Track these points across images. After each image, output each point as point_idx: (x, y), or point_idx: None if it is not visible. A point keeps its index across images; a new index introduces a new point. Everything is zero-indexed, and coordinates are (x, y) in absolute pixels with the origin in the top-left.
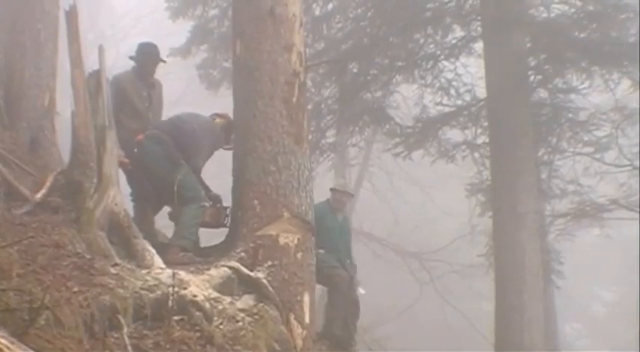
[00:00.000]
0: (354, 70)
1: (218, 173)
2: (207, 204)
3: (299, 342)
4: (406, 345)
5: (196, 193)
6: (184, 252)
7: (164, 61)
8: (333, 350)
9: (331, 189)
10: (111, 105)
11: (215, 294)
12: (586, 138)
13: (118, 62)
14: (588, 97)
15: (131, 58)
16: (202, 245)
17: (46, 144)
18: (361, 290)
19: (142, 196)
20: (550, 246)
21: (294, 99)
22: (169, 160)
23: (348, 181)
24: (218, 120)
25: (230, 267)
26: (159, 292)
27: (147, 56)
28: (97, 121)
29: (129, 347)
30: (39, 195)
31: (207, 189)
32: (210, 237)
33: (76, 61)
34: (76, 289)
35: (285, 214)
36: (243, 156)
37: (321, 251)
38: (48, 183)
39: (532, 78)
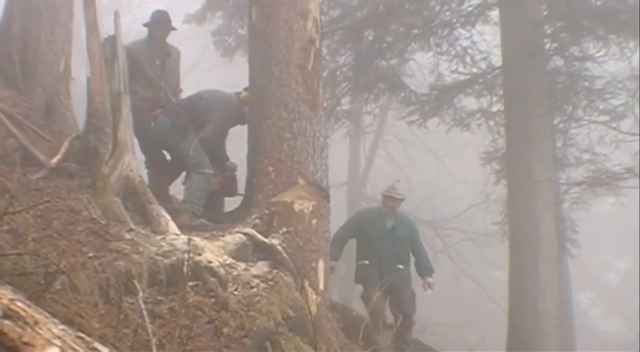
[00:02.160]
0: (370, 38)
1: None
2: (209, 171)
3: (313, 308)
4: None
5: (199, 160)
6: (193, 217)
7: (175, 29)
8: None
9: (381, 194)
10: (126, 71)
11: (230, 260)
12: (602, 107)
13: (134, 28)
14: (604, 65)
15: (145, 25)
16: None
17: (61, 109)
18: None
19: (156, 164)
20: (565, 214)
21: (310, 66)
22: (177, 130)
23: (362, 149)
24: (244, 93)
25: (245, 234)
26: (174, 258)
27: (158, 23)
28: (113, 87)
29: (144, 312)
30: (54, 161)
31: (222, 158)
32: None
33: (92, 26)
34: (91, 254)
35: (300, 181)
36: (258, 123)
37: (365, 261)
38: (63, 149)
39: (548, 46)
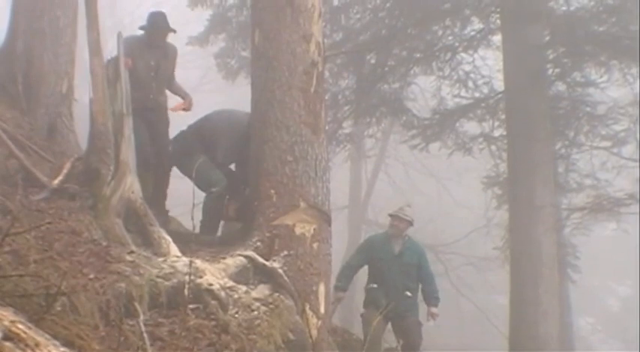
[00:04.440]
0: (372, 61)
1: None
2: (213, 190)
3: (314, 332)
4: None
5: (206, 182)
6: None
7: (174, 31)
8: None
9: (389, 215)
10: (129, 93)
11: (231, 283)
12: (604, 132)
13: None
14: (607, 91)
15: (141, 27)
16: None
17: (63, 130)
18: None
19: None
20: (566, 239)
21: (312, 89)
22: (186, 155)
23: (364, 172)
24: None
25: (246, 256)
26: (175, 280)
27: (155, 26)
28: (115, 108)
29: (144, 335)
30: (56, 182)
31: (237, 183)
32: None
33: (95, 47)
34: (92, 276)
35: (302, 204)
36: (260, 146)
37: (374, 285)
38: (65, 170)
39: (550, 71)
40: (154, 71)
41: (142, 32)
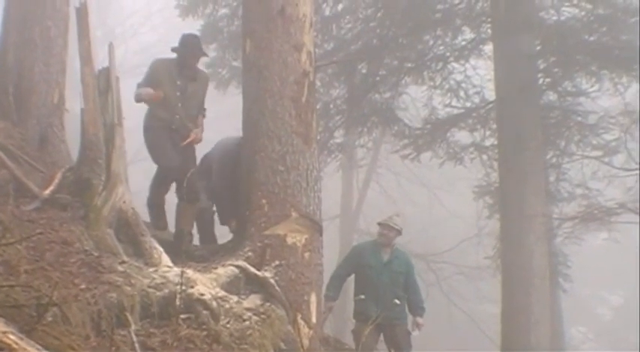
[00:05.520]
0: (363, 71)
1: None
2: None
3: (305, 342)
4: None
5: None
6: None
7: (206, 55)
8: None
9: (378, 223)
10: (120, 103)
11: (222, 293)
12: (595, 142)
13: (127, 60)
14: (597, 101)
15: (173, 49)
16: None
17: (54, 140)
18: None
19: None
20: (557, 249)
21: (304, 99)
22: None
23: (355, 182)
24: None
25: (237, 266)
26: (166, 290)
27: (188, 49)
28: (107, 119)
29: (136, 345)
30: (47, 192)
31: (234, 204)
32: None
33: (86, 58)
34: (83, 286)
35: (293, 214)
36: (251, 156)
37: (362, 296)
38: (56, 180)
39: (541, 80)
40: (180, 91)
41: (135, 64)
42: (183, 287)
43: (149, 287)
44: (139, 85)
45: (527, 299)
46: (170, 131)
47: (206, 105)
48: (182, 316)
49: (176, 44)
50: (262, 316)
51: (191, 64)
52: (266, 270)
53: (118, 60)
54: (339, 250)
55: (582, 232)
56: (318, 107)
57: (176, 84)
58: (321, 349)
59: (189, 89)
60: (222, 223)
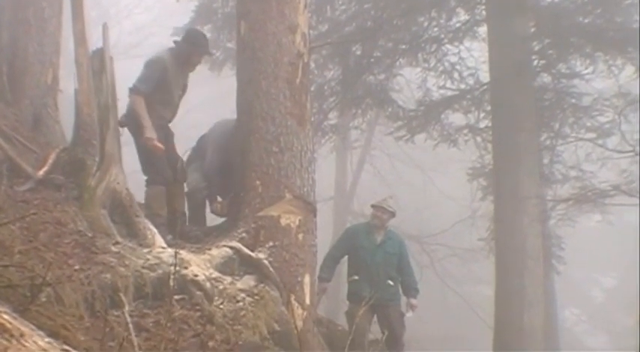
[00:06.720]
0: (358, 53)
1: None
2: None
3: (299, 323)
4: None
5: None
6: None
7: (211, 54)
8: None
9: (371, 205)
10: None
11: (216, 274)
12: (589, 124)
13: (121, 40)
14: (592, 83)
15: (177, 44)
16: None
17: (48, 121)
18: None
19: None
20: (551, 231)
21: (298, 81)
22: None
23: (349, 163)
24: None
25: (231, 247)
26: (160, 271)
27: (196, 47)
28: (101, 99)
29: (130, 325)
30: (41, 173)
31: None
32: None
33: (80, 38)
34: (77, 267)
35: (287, 195)
36: (246, 137)
37: (356, 277)
38: (50, 161)
39: (535, 62)
40: (182, 90)
41: (128, 44)
42: (177, 268)
43: (143, 267)
44: (140, 80)
45: (521, 280)
46: (164, 128)
47: (199, 87)
48: (176, 297)
49: (171, 26)
50: (256, 297)
51: (195, 63)
52: (260, 251)
53: (112, 40)
54: (332, 232)
55: (576, 214)
56: (312, 88)
57: (179, 83)
58: (314, 330)
59: (186, 89)
60: (211, 205)
